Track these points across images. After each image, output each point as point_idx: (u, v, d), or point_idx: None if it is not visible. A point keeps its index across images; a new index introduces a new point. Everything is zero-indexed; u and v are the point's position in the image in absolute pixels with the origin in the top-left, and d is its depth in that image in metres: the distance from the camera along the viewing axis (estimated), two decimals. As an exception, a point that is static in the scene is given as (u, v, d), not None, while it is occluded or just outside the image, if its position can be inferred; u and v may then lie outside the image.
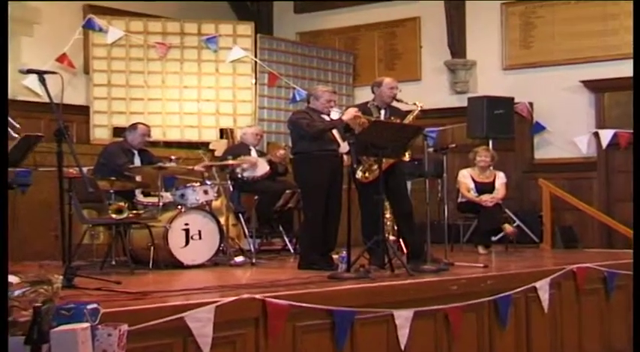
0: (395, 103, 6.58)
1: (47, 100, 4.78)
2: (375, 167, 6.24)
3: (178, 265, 6.48)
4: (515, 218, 9.27)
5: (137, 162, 7.25)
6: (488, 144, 9.30)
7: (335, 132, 6.34)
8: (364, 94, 10.88)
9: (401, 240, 6.87)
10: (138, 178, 7.14)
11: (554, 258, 8.09)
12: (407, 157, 6.32)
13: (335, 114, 6.38)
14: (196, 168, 7.47)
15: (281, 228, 8.16)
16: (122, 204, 6.29)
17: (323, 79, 10.88)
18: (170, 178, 7.54)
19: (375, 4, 11.12)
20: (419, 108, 6.54)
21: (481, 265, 6.49)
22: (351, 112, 6.25)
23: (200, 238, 6.68)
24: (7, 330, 3.14)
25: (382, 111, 6.56)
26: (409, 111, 6.55)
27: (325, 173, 6.24)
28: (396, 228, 7.13)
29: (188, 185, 7.01)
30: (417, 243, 6.43)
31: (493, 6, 10.40)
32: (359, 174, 6.34)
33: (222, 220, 7.00)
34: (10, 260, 3.61)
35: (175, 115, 9.88)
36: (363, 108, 6.54)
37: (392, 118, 6.43)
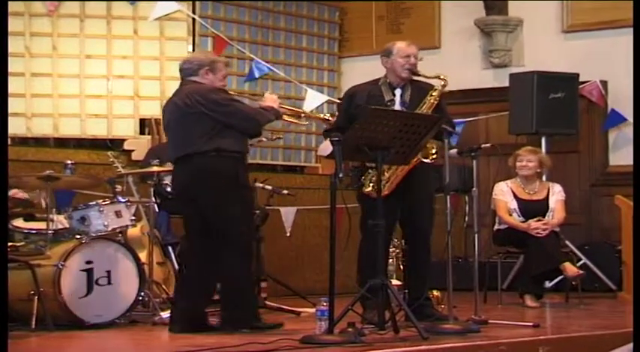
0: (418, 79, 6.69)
1: None
2: (387, 175, 6.34)
3: (76, 324, 6.48)
4: (579, 254, 9.29)
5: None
6: (540, 144, 9.35)
7: None
8: (354, 68, 10.93)
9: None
10: (14, 193, 7.10)
11: None
12: (431, 158, 6.36)
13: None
14: (104, 178, 7.44)
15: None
16: (-9, 232, 6.27)
17: (295, 46, 10.88)
18: (65, 193, 7.51)
19: None
20: (442, 83, 6.62)
21: (530, 324, 6.52)
22: (271, 99, 6.50)
23: (109, 283, 6.68)
24: (7, 330, 3.06)
25: (397, 92, 6.64)
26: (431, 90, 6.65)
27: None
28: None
29: (92, 203, 7.00)
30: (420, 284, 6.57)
31: (548, -62, 10.50)
32: (369, 187, 6.38)
33: (142, 256, 7.01)
34: None
35: (73, 100, 9.84)
36: (370, 88, 6.63)
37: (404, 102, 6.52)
